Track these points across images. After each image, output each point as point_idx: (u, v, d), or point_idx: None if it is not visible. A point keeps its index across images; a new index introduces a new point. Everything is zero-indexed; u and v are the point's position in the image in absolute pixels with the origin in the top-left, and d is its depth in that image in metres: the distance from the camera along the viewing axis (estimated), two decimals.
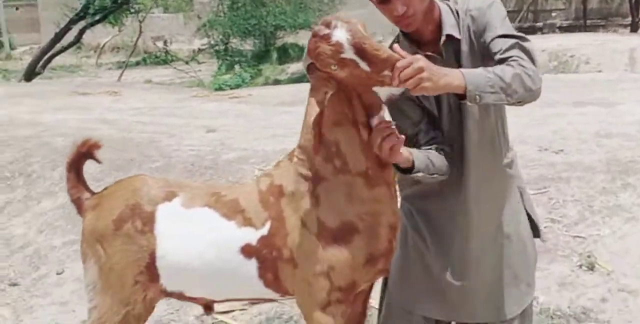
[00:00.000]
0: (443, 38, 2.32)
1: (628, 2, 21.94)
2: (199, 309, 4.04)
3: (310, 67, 2.17)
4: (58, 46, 17.68)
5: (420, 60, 1.99)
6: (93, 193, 2.58)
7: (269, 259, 2.27)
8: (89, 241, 2.47)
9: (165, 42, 20.26)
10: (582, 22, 22.65)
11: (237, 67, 17.46)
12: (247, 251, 2.27)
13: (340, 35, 2.05)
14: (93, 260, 2.45)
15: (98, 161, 2.61)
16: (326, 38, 2.06)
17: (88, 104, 10.41)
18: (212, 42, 18.25)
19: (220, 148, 6.45)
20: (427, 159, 2.30)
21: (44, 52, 17.55)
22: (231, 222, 2.29)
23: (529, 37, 2.27)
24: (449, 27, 2.32)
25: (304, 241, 2.22)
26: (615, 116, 6.83)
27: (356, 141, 2.19)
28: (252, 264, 2.28)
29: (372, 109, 2.19)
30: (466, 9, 2.34)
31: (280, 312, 3.98)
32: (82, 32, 17.66)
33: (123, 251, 2.37)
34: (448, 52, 2.34)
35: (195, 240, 2.33)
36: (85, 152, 2.58)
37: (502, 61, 2.18)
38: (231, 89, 13.36)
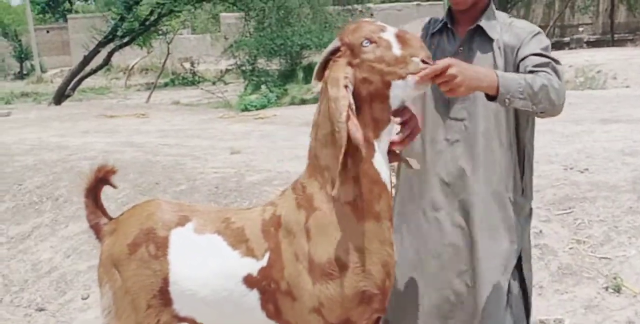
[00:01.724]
0: (472, 26, 2.48)
1: None
2: None
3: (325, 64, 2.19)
4: (87, 69, 17.94)
5: (454, 67, 2.07)
6: (111, 218, 2.60)
7: (269, 291, 2.26)
8: (105, 266, 2.49)
9: (192, 64, 20.42)
10: (609, 37, 22.52)
11: (263, 87, 17.58)
12: (249, 281, 2.27)
13: (387, 26, 2.15)
14: (109, 285, 2.47)
15: (114, 186, 2.64)
16: (371, 21, 2.16)
17: (115, 126, 10.53)
18: (239, 62, 18.39)
19: (244, 170, 6.48)
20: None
21: (74, 74, 17.81)
22: (236, 251, 2.29)
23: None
24: (485, 21, 2.48)
25: (298, 275, 2.20)
26: None
27: (344, 167, 2.14)
28: (254, 295, 2.28)
29: (380, 124, 2.16)
30: (510, 22, 2.50)
31: None
32: (110, 54, 17.88)
33: (137, 275, 2.39)
34: (475, 43, 2.48)
35: (204, 267, 2.33)
36: (102, 178, 2.61)
37: (532, 73, 2.28)
38: (257, 109, 13.44)
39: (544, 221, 4.69)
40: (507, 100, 2.17)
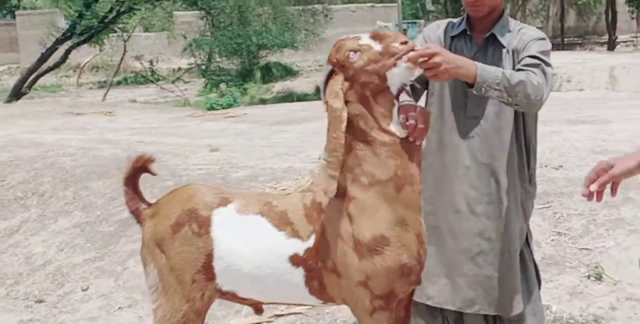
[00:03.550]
0: (487, 34, 2.78)
1: (605, 21, 22.48)
2: (227, 320, 4.24)
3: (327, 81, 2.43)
4: (44, 66, 17.79)
5: (440, 56, 2.32)
6: (149, 204, 2.76)
7: (315, 269, 2.48)
8: (148, 247, 2.66)
9: (151, 62, 20.38)
10: (559, 40, 23.15)
11: (222, 86, 17.68)
12: (295, 260, 2.48)
13: (360, 34, 2.42)
14: (153, 264, 2.64)
15: (153, 174, 2.80)
16: (347, 38, 2.42)
17: (84, 124, 10.57)
18: (199, 61, 18.45)
19: (228, 167, 6.63)
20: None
21: (30, 72, 17.65)
22: (281, 232, 2.49)
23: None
24: (499, 30, 2.77)
25: (343, 254, 2.43)
26: (608, 133, 7.11)
27: (375, 151, 2.39)
28: (299, 273, 2.49)
29: (389, 110, 2.40)
30: (519, 29, 2.79)
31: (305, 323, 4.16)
32: (68, 52, 17.78)
33: (181, 253, 2.56)
34: (489, 50, 2.78)
35: (249, 245, 2.52)
36: (140, 167, 2.77)
37: (519, 70, 2.58)
38: (223, 108, 13.57)
39: None
40: (483, 89, 2.44)
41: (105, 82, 22.70)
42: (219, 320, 4.25)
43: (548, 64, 2.62)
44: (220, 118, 10.72)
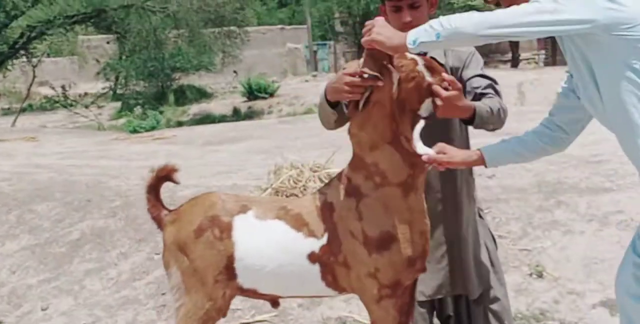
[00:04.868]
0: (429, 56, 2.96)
1: None
2: None
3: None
4: None
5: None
6: (170, 210, 2.93)
7: (328, 264, 2.71)
8: (171, 250, 2.83)
9: (63, 87, 20.13)
10: None
11: (137, 109, 17.65)
12: (312, 257, 2.71)
13: (412, 56, 2.60)
14: (176, 266, 2.81)
15: (176, 183, 2.98)
16: (403, 56, 2.58)
17: (8, 150, 10.44)
18: (112, 85, 18.37)
19: (172, 186, 6.69)
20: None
21: None
22: (299, 233, 2.72)
23: None
24: (434, 51, 2.94)
25: (353, 248, 2.67)
26: None
27: (396, 156, 2.64)
28: (316, 268, 2.71)
29: (413, 126, 2.63)
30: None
31: None
32: None
33: (204, 256, 2.75)
34: None
35: (270, 246, 2.73)
36: (163, 176, 2.95)
37: (482, 94, 2.84)
38: (146, 131, 13.60)
39: None
40: (480, 126, 2.74)
41: (8, 109, 22.31)
42: None
43: (495, 81, 2.91)
44: (148, 140, 10.78)
